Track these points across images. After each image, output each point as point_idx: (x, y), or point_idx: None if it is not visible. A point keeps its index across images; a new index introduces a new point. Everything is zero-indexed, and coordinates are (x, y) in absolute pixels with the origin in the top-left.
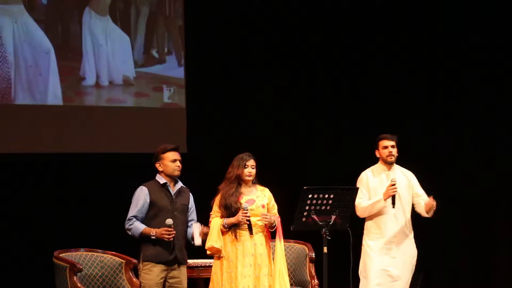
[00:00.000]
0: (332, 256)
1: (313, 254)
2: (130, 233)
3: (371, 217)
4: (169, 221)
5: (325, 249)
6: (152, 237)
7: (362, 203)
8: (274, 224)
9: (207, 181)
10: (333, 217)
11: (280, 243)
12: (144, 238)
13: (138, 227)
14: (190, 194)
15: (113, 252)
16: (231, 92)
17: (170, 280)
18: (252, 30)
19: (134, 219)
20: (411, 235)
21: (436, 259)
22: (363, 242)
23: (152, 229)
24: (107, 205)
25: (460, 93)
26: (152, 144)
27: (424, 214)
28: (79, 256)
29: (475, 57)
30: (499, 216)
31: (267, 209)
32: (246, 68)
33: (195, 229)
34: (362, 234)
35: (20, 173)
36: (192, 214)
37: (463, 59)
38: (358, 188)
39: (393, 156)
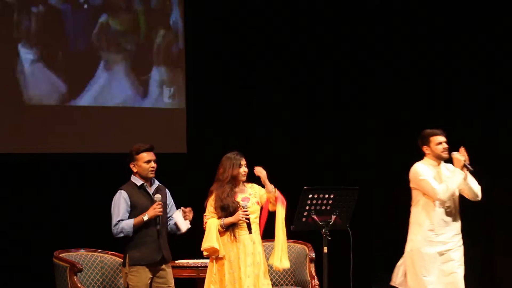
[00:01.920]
0: (332, 256)
1: (313, 254)
2: (123, 235)
3: (425, 212)
4: (158, 196)
5: (325, 249)
6: (145, 220)
7: (439, 184)
8: (273, 191)
9: (207, 181)
10: (333, 217)
11: (281, 209)
12: (136, 229)
13: (128, 223)
14: (167, 190)
15: (113, 252)
16: (231, 92)
17: (157, 280)
18: (252, 30)
19: (121, 221)
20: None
21: None
22: (412, 237)
23: (141, 214)
24: (107, 205)
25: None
26: (153, 144)
27: (472, 198)
28: (79, 256)
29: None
30: (498, 216)
31: (262, 201)
32: (246, 68)
33: (178, 216)
34: (362, 234)
35: (20, 173)
36: (172, 209)
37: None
38: (358, 188)
39: (447, 151)
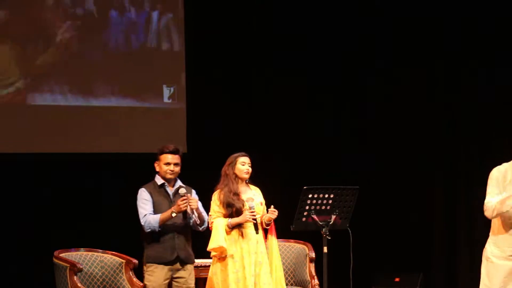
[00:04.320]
0: (332, 256)
1: (313, 254)
2: (150, 229)
3: (497, 219)
4: (183, 190)
5: (325, 249)
6: (173, 216)
7: (491, 201)
8: (270, 222)
9: (207, 181)
10: (333, 217)
11: (275, 239)
12: (163, 224)
13: (155, 217)
14: (193, 191)
15: (113, 252)
16: (231, 92)
17: (176, 280)
18: (252, 30)
19: (148, 215)
20: None
21: (436, 259)
22: (486, 246)
23: (169, 210)
24: (107, 205)
25: None
26: (152, 144)
27: None
28: (79, 256)
29: None
30: None
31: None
32: (246, 68)
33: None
34: (362, 234)
35: (20, 173)
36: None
37: None
38: (358, 188)
39: None
